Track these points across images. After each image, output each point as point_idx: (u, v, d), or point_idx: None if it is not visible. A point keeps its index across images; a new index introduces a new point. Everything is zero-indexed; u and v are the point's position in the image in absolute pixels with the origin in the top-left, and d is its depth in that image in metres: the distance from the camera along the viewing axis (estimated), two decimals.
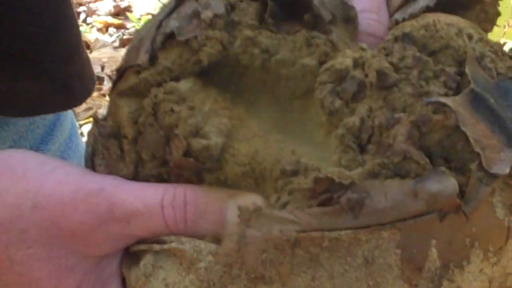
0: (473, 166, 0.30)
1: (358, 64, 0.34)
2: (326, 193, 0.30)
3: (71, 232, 0.34)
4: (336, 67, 0.34)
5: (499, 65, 0.35)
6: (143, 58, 0.35)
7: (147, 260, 0.34)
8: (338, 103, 0.33)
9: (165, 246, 0.33)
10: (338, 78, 0.34)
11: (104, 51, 2.51)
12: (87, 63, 0.58)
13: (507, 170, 0.31)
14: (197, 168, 0.33)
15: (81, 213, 0.33)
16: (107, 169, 0.36)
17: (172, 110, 0.33)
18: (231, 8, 0.36)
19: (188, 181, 0.34)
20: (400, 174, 0.31)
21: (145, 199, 0.33)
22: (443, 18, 0.35)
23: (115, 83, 0.37)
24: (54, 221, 0.34)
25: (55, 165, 0.36)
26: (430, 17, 0.35)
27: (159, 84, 0.35)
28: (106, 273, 0.35)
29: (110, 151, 0.36)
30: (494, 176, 0.30)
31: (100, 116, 0.38)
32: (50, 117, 0.59)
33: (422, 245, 0.30)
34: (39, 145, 0.58)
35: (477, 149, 0.31)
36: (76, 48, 0.56)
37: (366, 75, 0.33)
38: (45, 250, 0.34)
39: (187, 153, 0.33)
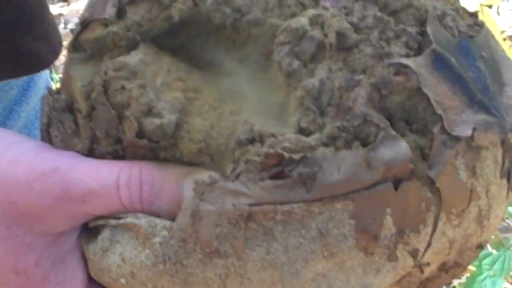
0: (436, 129, 0.30)
1: (316, 23, 0.33)
2: (277, 166, 0.30)
3: (27, 211, 0.33)
4: (292, 26, 0.33)
5: (460, 23, 0.34)
6: (110, 11, 0.34)
7: (104, 235, 0.34)
8: (296, 64, 0.32)
9: (121, 221, 0.33)
10: (296, 38, 0.32)
11: (83, 3, 2.47)
12: (52, 25, 0.57)
13: (469, 132, 0.30)
14: (152, 147, 0.32)
15: (37, 193, 0.33)
16: (63, 143, 0.35)
17: (123, 87, 0.32)
18: None
19: (144, 157, 0.33)
20: (360, 138, 0.30)
21: (101, 179, 0.32)
22: None
23: (77, 34, 0.35)
24: (9, 201, 0.33)
25: (10, 141, 0.35)
26: None
27: (128, 40, 0.34)
28: (65, 249, 0.35)
29: (64, 125, 0.35)
30: (457, 139, 0.30)
31: (53, 87, 0.36)
32: (23, 78, 0.58)
33: (377, 215, 0.30)
34: (13, 106, 0.58)
35: (439, 111, 0.30)
36: (40, 11, 0.56)
37: (326, 35, 0.32)
38: (2, 229, 0.34)
39: (140, 133, 0.32)
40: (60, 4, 2.89)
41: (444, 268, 0.33)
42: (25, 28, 0.54)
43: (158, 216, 0.32)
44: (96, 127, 0.33)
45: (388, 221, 0.30)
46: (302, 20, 0.33)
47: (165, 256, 0.31)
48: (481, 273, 1.15)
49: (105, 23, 0.34)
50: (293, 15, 0.34)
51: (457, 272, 0.34)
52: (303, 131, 0.30)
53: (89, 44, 0.35)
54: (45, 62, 0.57)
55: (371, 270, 0.31)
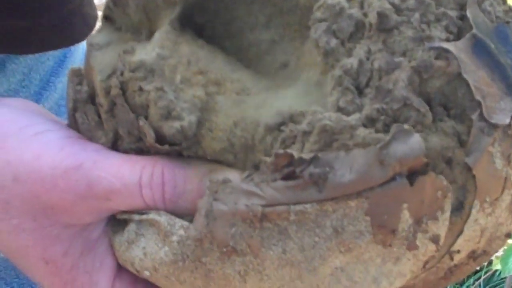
0: (474, 116, 0.30)
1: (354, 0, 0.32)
2: (289, 167, 0.30)
3: (53, 205, 0.34)
4: (328, 2, 0.32)
5: (497, 9, 0.34)
6: None
7: (131, 227, 0.34)
8: (334, 42, 0.31)
9: (143, 217, 0.33)
10: (333, 15, 0.32)
11: None
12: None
13: (507, 120, 0.30)
14: (173, 151, 0.33)
15: (61, 189, 0.34)
16: (88, 133, 0.35)
17: (140, 88, 0.32)
18: None
19: (168, 153, 0.33)
20: (399, 121, 0.30)
21: (123, 178, 0.33)
22: None
23: None
24: (35, 195, 0.34)
25: (36, 130, 0.35)
26: None
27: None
28: (93, 238, 0.36)
29: (88, 116, 0.35)
30: (495, 126, 0.30)
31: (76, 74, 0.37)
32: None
33: (393, 210, 0.30)
34: (49, 77, 0.59)
35: (478, 98, 0.30)
36: None
37: (365, 15, 0.31)
38: (29, 221, 0.35)
39: (160, 138, 0.32)
40: None
41: (473, 256, 0.34)
42: (59, 1, 0.54)
43: (183, 215, 0.33)
44: (118, 125, 0.34)
45: (405, 214, 0.30)
46: None
47: (184, 254, 0.32)
48: None
49: None
50: None
51: (484, 259, 0.34)
52: (341, 111, 0.30)
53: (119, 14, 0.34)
54: (79, 35, 0.57)
55: (390, 259, 0.32)
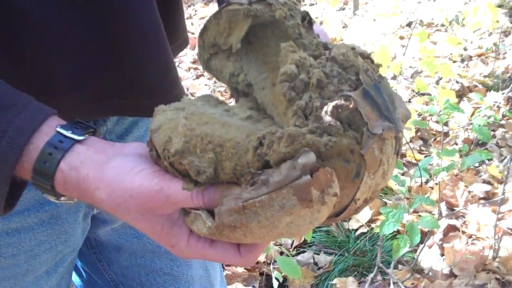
0: (364, 129, 0.55)
1: (303, 69, 0.57)
2: (252, 178, 0.55)
3: (151, 208, 0.60)
4: (288, 72, 0.57)
5: (375, 75, 0.60)
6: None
7: (191, 214, 0.60)
8: (293, 94, 0.57)
9: (195, 211, 0.59)
10: (291, 78, 0.58)
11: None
12: (182, 89, 0.89)
13: (380, 131, 0.55)
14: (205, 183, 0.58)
15: (153, 202, 0.59)
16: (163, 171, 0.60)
17: (180, 163, 0.58)
18: None
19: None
20: (326, 132, 0.54)
21: (183, 194, 0.58)
22: (348, 48, 0.60)
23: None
24: (141, 204, 0.59)
25: (139, 169, 0.60)
26: (343, 48, 0.59)
27: None
28: (174, 218, 0.62)
29: (160, 165, 0.61)
30: (374, 134, 0.55)
31: (148, 144, 0.62)
32: None
33: (306, 190, 0.53)
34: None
35: (366, 120, 0.55)
36: (175, 79, 0.87)
37: (309, 78, 0.57)
38: (140, 216, 0.61)
39: (196, 181, 0.58)
40: None
41: (366, 201, 0.58)
42: (174, 84, 0.85)
43: (213, 208, 0.57)
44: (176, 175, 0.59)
45: (313, 191, 0.53)
46: (292, 68, 0.58)
47: (212, 230, 0.58)
48: (387, 220, 1.55)
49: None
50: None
51: (370, 202, 0.61)
52: (297, 127, 0.55)
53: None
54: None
55: (314, 211, 0.55)
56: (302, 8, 0.68)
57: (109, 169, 0.59)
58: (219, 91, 3.86)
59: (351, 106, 0.55)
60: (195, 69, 4.34)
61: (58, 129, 0.62)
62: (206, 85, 3.99)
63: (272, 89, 0.62)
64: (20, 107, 0.61)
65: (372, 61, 0.62)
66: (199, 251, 0.61)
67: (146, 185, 0.58)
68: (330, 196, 0.54)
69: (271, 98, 0.62)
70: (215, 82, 4.00)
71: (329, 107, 0.55)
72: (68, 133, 0.62)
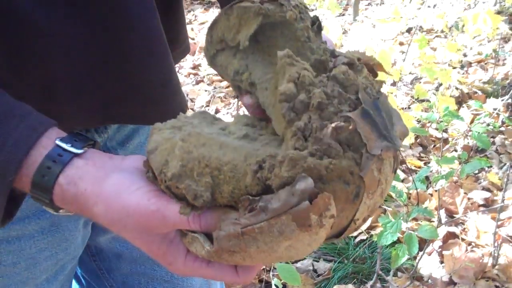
0: (363, 150, 0.55)
1: (302, 88, 0.57)
2: (250, 205, 0.55)
3: (148, 227, 0.60)
4: (286, 92, 0.57)
5: (374, 92, 0.61)
6: None
7: (188, 236, 0.60)
8: (292, 115, 0.57)
9: (191, 234, 0.59)
10: (290, 98, 0.58)
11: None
12: (183, 97, 0.90)
13: (379, 152, 0.56)
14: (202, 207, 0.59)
15: (149, 222, 0.59)
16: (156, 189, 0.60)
17: (177, 187, 0.58)
18: None
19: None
20: (326, 154, 0.54)
21: (180, 217, 0.58)
22: (348, 67, 0.60)
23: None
24: (138, 222, 0.59)
25: (136, 187, 0.60)
26: (344, 68, 0.59)
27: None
28: (171, 237, 0.62)
29: (156, 186, 0.61)
30: (373, 155, 0.55)
31: (144, 165, 0.62)
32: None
33: (305, 216, 0.52)
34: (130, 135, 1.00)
35: (365, 141, 0.55)
36: (177, 87, 0.87)
37: (309, 98, 0.57)
38: (137, 234, 0.61)
39: (194, 206, 0.58)
40: None
41: (364, 219, 0.59)
42: (174, 97, 0.85)
43: (210, 232, 0.57)
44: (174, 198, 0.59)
45: (312, 216, 0.53)
46: (291, 87, 0.57)
47: (211, 254, 0.58)
48: (385, 231, 1.56)
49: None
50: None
51: (367, 219, 0.60)
52: (297, 149, 0.56)
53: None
54: (176, 112, 0.78)
55: (312, 234, 0.55)
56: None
57: (107, 185, 0.60)
58: (218, 96, 3.86)
59: (350, 127, 0.55)
60: (195, 74, 4.33)
61: (58, 142, 0.61)
62: (206, 90, 3.99)
63: (275, 91, 0.62)
64: (18, 118, 0.61)
65: (376, 73, 0.63)
66: (196, 269, 0.62)
67: (143, 204, 0.58)
68: (327, 218, 0.54)
69: (272, 100, 0.63)
70: (214, 88, 4.00)
71: (328, 129, 0.55)
72: (67, 146, 0.61)
